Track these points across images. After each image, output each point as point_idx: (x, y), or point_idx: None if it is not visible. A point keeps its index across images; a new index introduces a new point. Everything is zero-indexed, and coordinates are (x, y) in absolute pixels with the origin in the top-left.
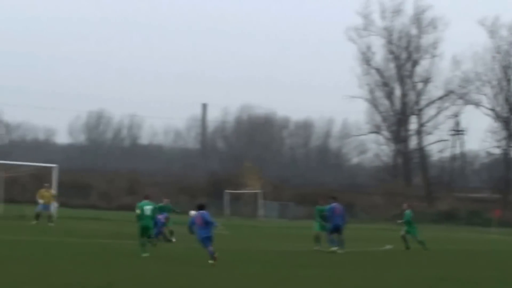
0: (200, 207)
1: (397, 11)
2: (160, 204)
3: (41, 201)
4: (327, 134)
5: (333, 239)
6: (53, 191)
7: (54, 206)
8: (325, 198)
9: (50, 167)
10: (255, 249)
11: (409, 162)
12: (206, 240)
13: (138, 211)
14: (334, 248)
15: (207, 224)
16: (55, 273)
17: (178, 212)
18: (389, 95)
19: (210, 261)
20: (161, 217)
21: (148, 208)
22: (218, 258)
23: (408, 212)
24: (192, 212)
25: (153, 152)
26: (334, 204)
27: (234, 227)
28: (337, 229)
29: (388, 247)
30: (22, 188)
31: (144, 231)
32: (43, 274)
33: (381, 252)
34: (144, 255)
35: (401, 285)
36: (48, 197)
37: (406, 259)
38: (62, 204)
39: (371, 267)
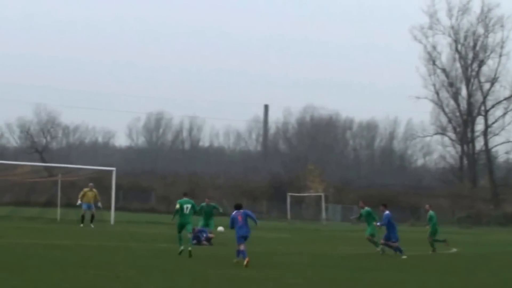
0: (237, 207)
1: (464, 10)
2: (203, 204)
3: (80, 202)
4: (392, 135)
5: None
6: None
7: (96, 206)
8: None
9: (109, 171)
10: (318, 253)
11: (475, 164)
12: (242, 239)
13: (177, 206)
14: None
15: (246, 222)
16: (115, 277)
17: (221, 212)
18: (455, 95)
19: (234, 260)
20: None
21: (187, 207)
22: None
23: (431, 213)
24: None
25: (213, 154)
26: (389, 213)
27: (296, 230)
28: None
29: (454, 250)
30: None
31: (182, 228)
32: (104, 278)
33: (446, 256)
34: (181, 248)
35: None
36: (91, 197)
37: (472, 262)
38: (121, 208)
39: (435, 271)
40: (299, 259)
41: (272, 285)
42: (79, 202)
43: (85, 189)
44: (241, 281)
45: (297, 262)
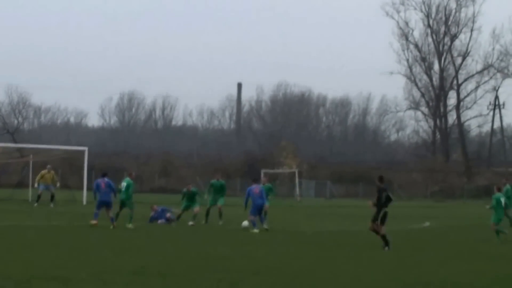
0: (255, 180)
1: None
2: (213, 181)
3: (36, 185)
4: (365, 111)
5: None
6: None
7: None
8: None
9: (81, 151)
10: (291, 229)
11: (448, 138)
12: (259, 209)
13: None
14: None
15: (262, 194)
16: (88, 257)
17: (203, 197)
18: (428, 70)
19: (254, 231)
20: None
21: (124, 185)
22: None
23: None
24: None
25: (187, 133)
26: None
27: (270, 207)
28: None
29: (427, 224)
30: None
31: (122, 205)
32: (76, 258)
33: (419, 230)
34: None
35: (437, 261)
36: (49, 179)
37: (446, 236)
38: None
39: (409, 246)
40: (272, 236)
41: (246, 262)
42: (36, 185)
43: (43, 172)
44: (215, 260)
45: (271, 239)
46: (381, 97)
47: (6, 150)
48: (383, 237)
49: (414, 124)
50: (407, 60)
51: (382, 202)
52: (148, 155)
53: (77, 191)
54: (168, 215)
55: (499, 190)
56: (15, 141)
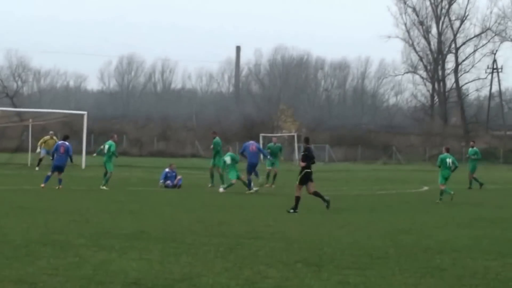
0: (251, 137)
1: None
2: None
3: (39, 149)
4: (363, 75)
5: None
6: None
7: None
8: None
9: (80, 114)
10: (290, 194)
11: (446, 102)
12: (253, 167)
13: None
14: None
15: (259, 151)
16: (86, 222)
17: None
18: (426, 34)
19: (250, 191)
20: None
21: (106, 147)
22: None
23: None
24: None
25: (186, 96)
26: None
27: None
28: None
29: (425, 188)
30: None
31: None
32: (74, 223)
33: (418, 194)
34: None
35: (436, 226)
36: (51, 145)
37: (445, 200)
38: (92, 152)
39: (407, 210)
40: (271, 200)
41: (244, 227)
42: (38, 149)
43: (46, 137)
44: (212, 224)
45: (269, 203)
46: (380, 61)
47: (5, 114)
48: (298, 199)
49: (412, 88)
50: (405, 24)
51: (310, 162)
52: (147, 119)
53: (76, 155)
54: (179, 178)
55: (447, 151)
56: (14, 105)
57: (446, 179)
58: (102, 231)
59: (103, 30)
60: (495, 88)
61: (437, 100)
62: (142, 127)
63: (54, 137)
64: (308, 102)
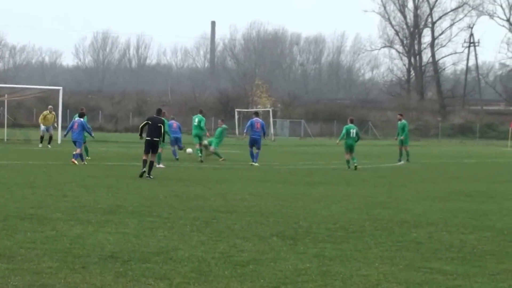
0: (256, 114)
1: None
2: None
3: (42, 126)
4: (339, 50)
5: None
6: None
7: (54, 127)
8: None
9: (56, 90)
10: (266, 168)
11: (422, 76)
12: (255, 142)
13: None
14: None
15: (262, 129)
16: (63, 196)
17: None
18: (402, 8)
19: (251, 163)
20: None
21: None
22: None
23: (404, 122)
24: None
25: (161, 72)
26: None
27: (244, 146)
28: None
29: (401, 162)
30: (28, 111)
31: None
32: (51, 197)
33: (394, 168)
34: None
35: (412, 199)
36: (51, 120)
37: (420, 174)
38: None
39: (383, 183)
40: (247, 175)
41: (220, 201)
42: (42, 127)
43: (45, 112)
44: (189, 198)
45: (245, 178)
46: (355, 35)
47: None
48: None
49: (389, 62)
50: None
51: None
52: (123, 94)
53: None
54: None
55: (352, 122)
56: None
57: (350, 148)
58: (78, 205)
59: (77, 6)
60: (472, 62)
61: (413, 74)
62: (117, 103)
63: (53, 112)
64: (284, 77)
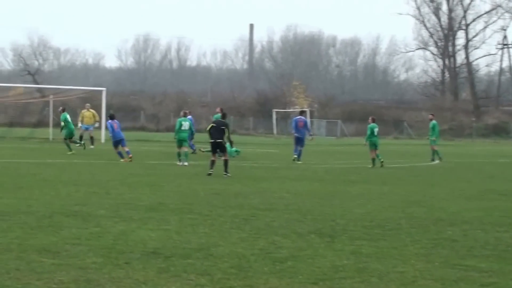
0: (301, 113)
1: None
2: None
3: (80, 124)
4: (374, 51)
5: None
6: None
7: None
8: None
9: (99, 91)
10: (303, 167)
11: (456, 77)
12: (299, 141)
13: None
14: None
15: (305, 127)
16: (107, 194)
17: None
18: (436, 10)
19: (293, 158)
20: None
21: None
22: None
23: (434, 122)
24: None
25: (201, 73)
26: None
27: (282, 145)
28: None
29: (436, 162)
30: (72, 112)
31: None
32: (95, 195)
33: (429, 167)
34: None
35: (447, 198)
36: (88, 118)
37: (454, 173)
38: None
39: (419, 182)
40: (285, 173)
41: (259, 199)
42: (79, 125)
43: (83, 111)
44: (228, 196)
45: (283, 176)
46: (391, 38)
47: (27, 91)
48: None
49: (423, 64)
50: (415, 1)
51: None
52: (164, 95)
53: (96, 130)
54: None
55: (373, 121)
56: (36, 82)
57: (375, 146)
58: (122, 202)
59: (120, 10)
60: (505, 63)
61: (447, 75)
62: (158, 103)
63: (91, 110)
64: (320, 78)
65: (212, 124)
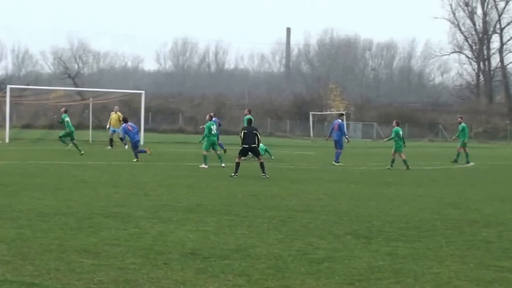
0: (340, 115)
1: None
2: None
3: (108, 125)
4: (410, 55)
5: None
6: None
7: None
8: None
9: (138, 94)
10: (339, 169)
11: (491, 80)
12: (335, 142)
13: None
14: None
15: (340, 131)
16: (145, 195)
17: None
18: (471, 14)
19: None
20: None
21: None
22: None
23: (463, 125)
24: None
25: (238, 76)
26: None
27: (319, 147)
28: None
29: (471, 164)
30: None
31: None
32: (134, 196)
33: (464, 169)
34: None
35: (482, 200)
36: (115, 120)
37: (489, 175)
38: (150, 130)
39: (454, 184)
40: (321, 175)
41: (296, 200)
42: (108, 126)
43: (111, 114)
44: (266, 197)
45: (320, 178)
46: (426, 41)
47: (68, 94)
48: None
49: (458, 67)
50: (451, 5)
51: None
52: (202, 97)
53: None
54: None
55: (398, 124)
56: (76, 85)
57: (400, 149)
58: (160, 204)
59: (158, 14)
60: None
61: (482, 79)
62: (197, 105)
63: (118, 113)
64: (356, 81)
65: (244, 131)
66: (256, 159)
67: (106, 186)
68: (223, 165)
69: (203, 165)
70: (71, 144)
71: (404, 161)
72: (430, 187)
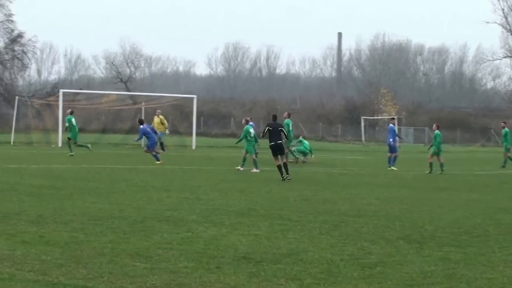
0: (391, 120)
1: None
2: None
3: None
4: (462, 60)
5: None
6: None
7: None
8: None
9: (190, 98)
10: (391, 173)
11: None
12: (388, 147)
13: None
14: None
15: (390, 134)
16: (197, 199)
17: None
18: None
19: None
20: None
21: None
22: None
23: (507, 130)
24: None
25: (290, 81)
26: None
27: (371, 152)
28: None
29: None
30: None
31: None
32: (186, 200)
33: None
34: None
35: None
36: (157, 123)
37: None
38: (202, 134)
39: (506, 189)
40: (373, 180)
41: (348, 205)
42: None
43: (154, 117)
44: (317, 202)
45: (372, 183)
46: (478, 46)
47: (120, 98)
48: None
49: (510, 72)
50: (503, 10)
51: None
52: (254, 102)
53: (187, 137)
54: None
55: (438, 128)
56: (128, 89)
57: (438, 152)
58: (212, 208)
59: (210, 19)
60: None
61: None
62: (248, 110)
63: (161, 116)
64: (408, 86)
65: (269, 128)
66: (280, 157)
67: (158, 190)
68: (240, 168)
69: (254, 169)
70: (88, 145)
71: (430, 164)
72: (482, 192)
